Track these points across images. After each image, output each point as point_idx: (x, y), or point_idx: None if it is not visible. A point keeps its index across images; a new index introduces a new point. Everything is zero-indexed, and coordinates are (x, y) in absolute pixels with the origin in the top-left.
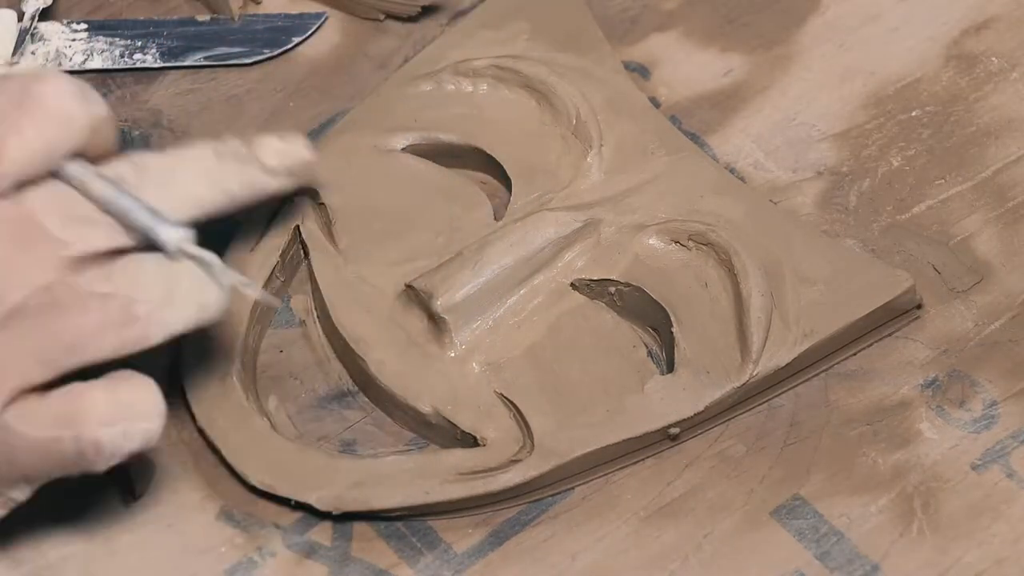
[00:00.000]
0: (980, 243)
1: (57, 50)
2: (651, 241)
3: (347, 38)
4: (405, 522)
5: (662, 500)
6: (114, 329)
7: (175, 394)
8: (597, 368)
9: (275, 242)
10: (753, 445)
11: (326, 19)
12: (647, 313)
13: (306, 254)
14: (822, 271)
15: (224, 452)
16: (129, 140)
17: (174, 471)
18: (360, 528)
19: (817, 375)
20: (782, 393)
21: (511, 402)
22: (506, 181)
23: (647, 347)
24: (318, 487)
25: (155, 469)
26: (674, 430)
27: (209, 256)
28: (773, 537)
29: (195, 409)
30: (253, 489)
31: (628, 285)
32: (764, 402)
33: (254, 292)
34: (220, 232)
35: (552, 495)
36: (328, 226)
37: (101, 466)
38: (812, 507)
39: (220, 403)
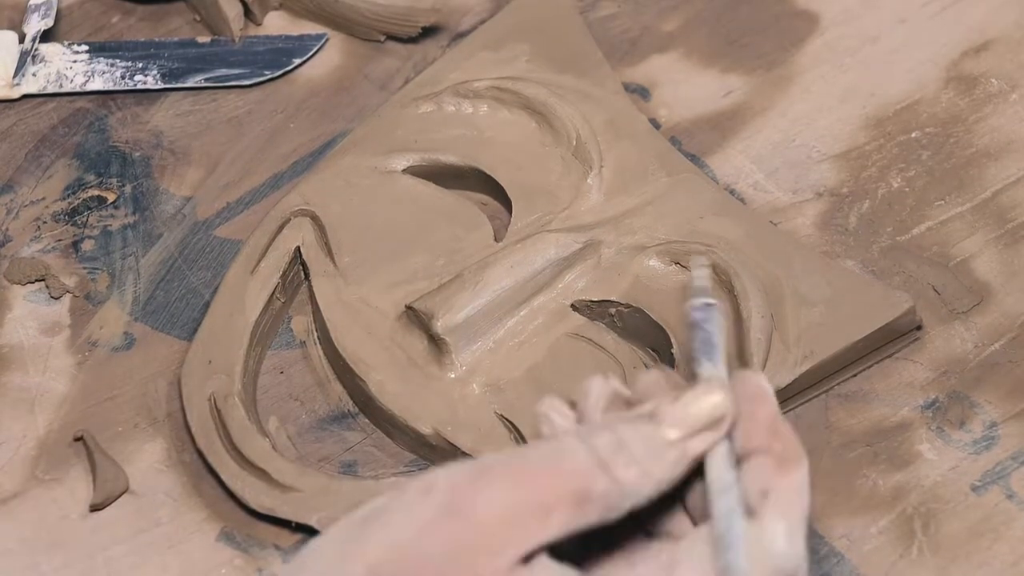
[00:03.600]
0: (980, 264)
1: (58, 72)
2: (651, 262)
3: (348, 59)
4: None
5: None
6: None
7: (176, 415)
8: None
9: (275, 263)
10: None
11: (327, 40)
12: (647, 334)
13: (307, 275)
14: (822, 292)
15: (223, 475)
16: (130, 161)
17: (175, 492)
18: None
19: (817, 396)
20: (783, 414)
21: (511, 423)
22: (506, 202)
23: (647, 368)
24: (318, 509)
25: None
26: None
27: None
28: None
29: (195, 430)
30: (254, 511)
31: (628, 306)
32: None
33: None
34: (217, 252)
35: None
36: (328, 247)
37: None
38: (812, 528)
39: (221, 425)
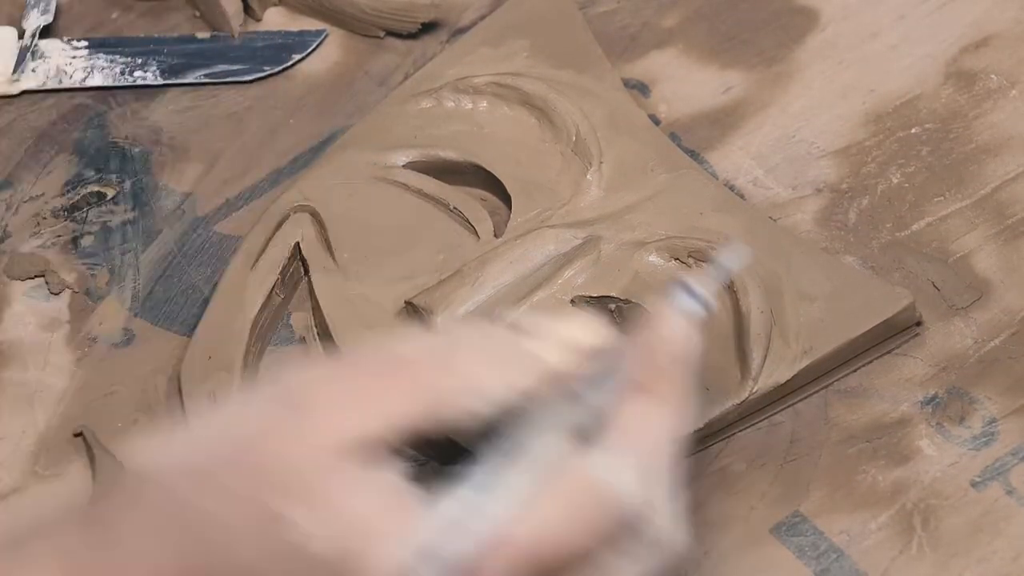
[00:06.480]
0: (979, 260)
1: (58, 67)
2: (651, 258)
3: (347, 55)
4: None
5: None
6: None
7: (176, 412)
8: None
9: (275, 259)
10: (753, 462)
11: (326, 36)
12: None
13: (306, 271)
14: (822, 288)
15: None
16: (129, 157)
17: None
18: None
19: (817, 392)
20: (782, 410)
21: None
22: (506, 198)
23: None
24: None
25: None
26: None
27: None
28: (773, 554)
29: None
30: None
31: (628, 302)
32: (764, 419)
33: None
34: (217, 248)
35: None
36: (328, 243)
37: None
38: (812, 524)
39: None
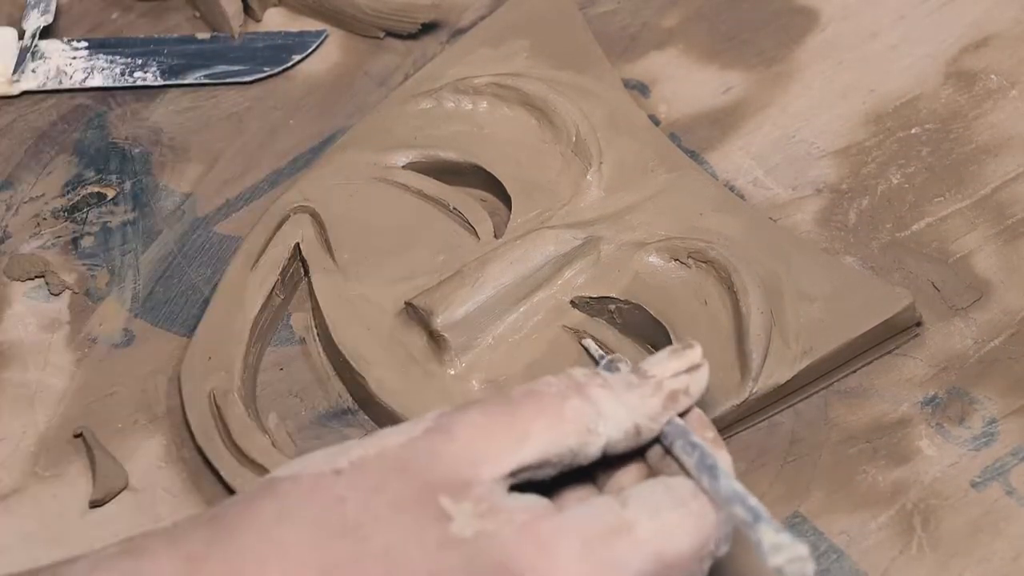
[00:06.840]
0: (979, 260)
1: (58, 68)
2: (651, 259)
3: (347, 56)
4: None
5: None
6: None
7: (175, 411)
8: None
9: (275, 260)
10: (753, 462)
11: (326, 37)
12: (647, 330)
13: (306, 272)
14: (822, 289)
15: (223, 471)
16: (129, 158)
17: (174, 488)
18: None
19: (817, 392)
20: (782, 410)
21: None
22: (506, 199)
23: None
24: None
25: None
26: None
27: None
28: None
29: (195, 427)
30: None
31: (628, 303)
32: (764, 419)
33: None
34: (217, 249)
35: None
36: (328, 244)
37: None
38: (812, 524)
39: (220, 421)
